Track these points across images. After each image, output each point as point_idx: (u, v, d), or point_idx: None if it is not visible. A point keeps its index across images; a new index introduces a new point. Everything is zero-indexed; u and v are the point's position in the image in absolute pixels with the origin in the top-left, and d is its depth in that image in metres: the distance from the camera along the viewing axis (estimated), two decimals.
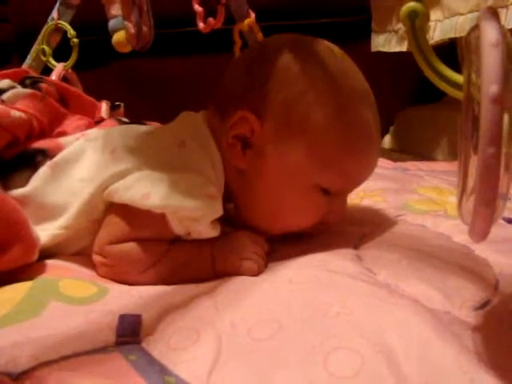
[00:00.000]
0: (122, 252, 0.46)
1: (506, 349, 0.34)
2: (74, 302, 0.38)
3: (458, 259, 0.48)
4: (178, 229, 0.46)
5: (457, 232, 0.55)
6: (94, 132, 0.54)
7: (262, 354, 0.32)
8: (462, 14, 0.95)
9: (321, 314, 0.36)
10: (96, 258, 0.47)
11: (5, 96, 0.55)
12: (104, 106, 0.63)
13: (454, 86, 0.31)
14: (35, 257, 0.45)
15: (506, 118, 0.25)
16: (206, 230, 0.46)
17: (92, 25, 1.02)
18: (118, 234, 0.46)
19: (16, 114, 0.52)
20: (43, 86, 0.59)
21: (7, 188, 0.49)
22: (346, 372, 0.30)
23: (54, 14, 0.90)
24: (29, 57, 0.93)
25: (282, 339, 0.33)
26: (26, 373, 0.30)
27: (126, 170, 0.47)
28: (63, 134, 0.56)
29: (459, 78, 0.30)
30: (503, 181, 0.26)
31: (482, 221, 0.24)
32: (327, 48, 0.50)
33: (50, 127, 0.56)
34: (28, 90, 0.57)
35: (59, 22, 0.89)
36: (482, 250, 0.50)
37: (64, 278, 0.42)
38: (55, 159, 0.50)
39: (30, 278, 0.42)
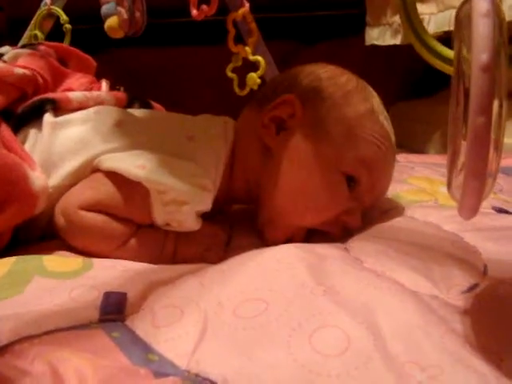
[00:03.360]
0: (95, 223, 0.45)
1: (494, 331, 0.33)
2: (58, 276, 0.38)
3: (446, 247, 0.48)
4: (157, 214, 0.46)
5: (446, 222, 0.55)
6: (103, 97, 0.56)
7: (247, 332, 0.32)
8: (455, 8, 0.95)
9: (307, 292, 0.35)
10: (60, 218, 0.46)
11: (5, 57, 0.56)
12: (104, 85, 0.62)
13: (445, 61, 0.30)
14: (37, 209, 0.45)
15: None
16: (189, 218, 0.46)
17: (85, 13, 1.01)
18: (93, 200, 0.46)
19: (19, 70, 0.52)
20: (41, 47, 0.60)
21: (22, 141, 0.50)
22: (332, 349, 0.30)
23: None
24: (21, 42, 0.92)
25: (267, 317, 0.33)
26: (6, 346, 0.29)
27: (127, 146, 0.47)
28: (69, 90, 0.57)
29: (450, 54, 0.30)
30: (492, 159, 0.26)
31: (472, 193, 0.24)
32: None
33: (54, 84, 0.57)
34: (27, 50, 0.58)
35: (52, 7, 0.88)
36: (471, 238, 0.50)
37: (48, 255, 0.42)
38: (57, 120, 0.51)
39: None
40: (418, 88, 1.56)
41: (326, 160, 0.49)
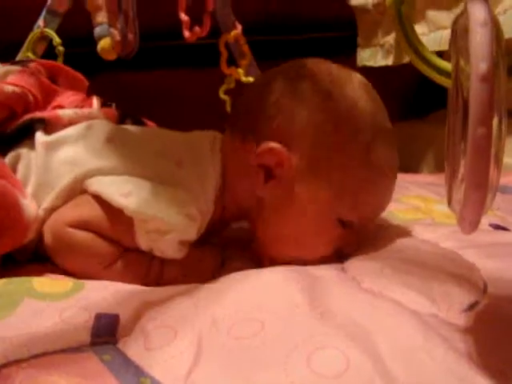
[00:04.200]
0: (83, 240, 0.45)
1: (498, 349, 0.33)
2: (49, 298, 0.37)
3: (444, 264, 0.47)
4: (141, 240, 0.45)
5: (444, 239, 0.54)
6: (94, 114, 0.55)
7: (243, 354, 0.30)
8: (446, 28, 0.96)
9: (304, 314, 0.34)
10: (48, 237, 0.45)
11: None
12: (95, 102, 0.61)
13: (443, 73, 0.30)
14: (27, 238, 0.45)
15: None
16: (171, 247, 0.46)
17: (78, 37, 1.02)
18: (81, 219, 0.45)
19: (9, 88, 0.51)
20: (31, 64, 0.59)
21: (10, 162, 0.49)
22: (331, 371, 0.28)
23: (40, 21, 0.89)
24: None
25: (263, 338, 0.32)
26: None
27: (115, 169, 0.47)
28: (59, 107, 0.56)
29: (448, 66, 0.30)
30: (493, 173, 0.26)
31: (473, 206, 0.23)
32: (360, 82, 0.50)
33: (44, 102, 0.56)
34: (17, 67, 0.56)
35: (45, 29, 0.88)
36: (469, 255, 0.49)
37: (38, 277, 0.41)
38: (50, 139, 0.50)
39: None
40: (410, 109, 1.57)
41: (318, 210, 0.47)
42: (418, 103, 1.63)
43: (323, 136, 0.47)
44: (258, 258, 0.51)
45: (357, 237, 0.51)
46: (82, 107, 0.57)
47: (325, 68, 0.50)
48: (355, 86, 0.49)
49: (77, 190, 0.47)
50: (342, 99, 0.48)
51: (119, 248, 0.46)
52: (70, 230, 0.45)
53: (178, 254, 0.46)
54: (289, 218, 0.48)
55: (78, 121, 0.53)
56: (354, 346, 0.30)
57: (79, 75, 0.67)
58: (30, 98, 0.53)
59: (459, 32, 0.27)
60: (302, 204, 0.47)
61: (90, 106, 0.61)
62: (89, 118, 0.54)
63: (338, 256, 0.50)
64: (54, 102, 0.57)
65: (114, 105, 0.70)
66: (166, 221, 0.44)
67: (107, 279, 0.44)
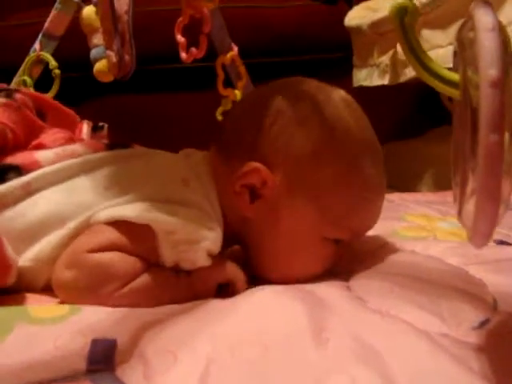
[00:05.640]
0: (100, 261, 0.42)
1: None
2: (43, 322, 0.35)
3: (451, 281, 0.46)
4: (167, 254, 0.43)
5: (449, 255, 0.53)
6: (79, 152, 0.50)
7: (248, 378, 0.29)
8: (441, 47, 0.96)
9: (310, 339, 0.33)
10: (62, 273, 0.42)
11: None
12: (85, 127, 0.59)
13: (450, 84, 0.29)
14: (11, 280, 0.42)
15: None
16: (202, 256, 0.44)
17: (73, 61, 1.02)
18: (102, 243, 0.42)
19: None
20: (18, 96, 0.55)
21: None
22: None
23: (37, 45, 0.89)
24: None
25: (268, 363, 0.30)
26: None
27: (127, 199, 0.45)
28: (40, 146, 0.52)
29: (455, 76, 0.29)
30: (505, 186, 0.25)
31: (486, 217, 0.22)
32: (343, 99, 0.49)
33: (26, 140, 0.52)
34: (2, 100, 0.52)
35: (41, 53, 0.88)
36: (476, 271, 0.48)
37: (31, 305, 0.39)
38: (29, 179, 0.47)
39: None
40: (406, 129, 1.58)
41: (304, 229, 0.47)
42: (413, 122, 1.64)
43: (306, 155, 0.46)
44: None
45: (344, 251, 0.51)
46: (65, 145, 0.53)
47: (307, 87, 0.50)
48: (338, 104, 0.49)
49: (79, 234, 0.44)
50: (326, 117, 0.47)
51: (144, 263, 0.44)
52: (92, 254, 0.42)
53: (209, 261, 0.45)
54: (276, 238, 0.47)
55: (60, 161, 0.49)
56: (367, 371, 0.29)
57: (69, 111, 0.64)
58: (9, 135, 0.49)
59: (465, 41, 0.27)
60: (288, 223, 0.47)
61: (80, 135, 0.58)
62: (73, 156, 0.50)
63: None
64: (36, 139, 0.53)
65: (106, 126, 0.69)
66: (194, 230, 0.43)
67: (131, 297, 0.42)
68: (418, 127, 1.52)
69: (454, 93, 0.29)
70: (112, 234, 0.43)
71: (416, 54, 0.30)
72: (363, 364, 0.30)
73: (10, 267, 0.41)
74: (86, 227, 0.44)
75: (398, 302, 0.41)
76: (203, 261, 0.44)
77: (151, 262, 0.44)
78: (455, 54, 0.31)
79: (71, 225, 0.44)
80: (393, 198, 1.00)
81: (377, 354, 0.31)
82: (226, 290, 0.46)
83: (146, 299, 0.42)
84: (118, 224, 0.43)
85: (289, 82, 0.52)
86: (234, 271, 0.46)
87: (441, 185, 1.23)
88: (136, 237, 0.43)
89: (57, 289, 0.42)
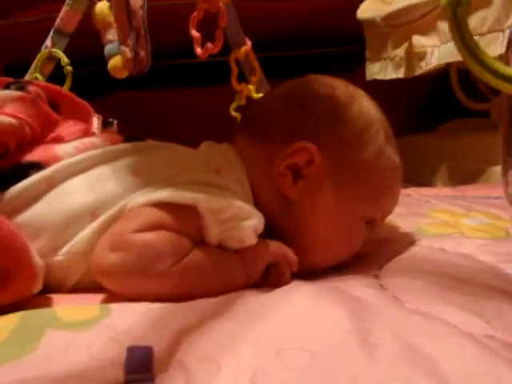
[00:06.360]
0: (148, 240, 0.41)
1: None
2: (73, 327, 0.34)
3: (488, 280, 0.44)
4: (213, 233, 0.43)
5: (481, 252, 0.51)
6: (97, 145, 0.50)
7: None
8: None
9: (357, 344, 0.31)
10: (107, 258, 0.40)
11: None
12: (95, 122, 0.58)
13: (504, 79, 0.28)
14: (37, 288, 0.40)
15: None
16: (250, 234, 0.44)
17: (85, 57, 1.01)
18: (145, 222, 0.41)
19: (5, 119, 0.46)
20: (32, 88, 0.52)
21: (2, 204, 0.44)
22: None
23: (48, 42, 0.88)
24: None
25: (317, 371, 0.29)
26: None
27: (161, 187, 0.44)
28: (58, 139, 0.50)
29: (509, 71, 0.27)
30: None
31: None
32: (367, 95, 0.54)
33: (42, 133, 0.50)
34: (17, 93, 0.50)
35: (53, 50, 0.86)
36: (510, 269, 0.46)
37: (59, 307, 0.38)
38: (51, 172, 0.45)
39: None
40: (418, 123, 1.56)
41: (347, 210, 0.49)
42: (424, 116, 1.62)
43: (348, 137, 0.50)
44: None
45: (372, 234, 0.54)
46: (83, 138, 0.52)
47: (336, 81, 0.53)
48: (367, 99, 0.53)
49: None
50: (361, 110, 0.51)
51: (191, 241, 0.43)
52: (139, 234, 0.41)
53: (255, 240, 0.45)
54: (318, 218, 0.49)
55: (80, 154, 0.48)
56: (420, 375, 0.27)
57: (83, 102, 0.62)
58: (27, 131, 0.48)
59: None
60: (331, 202, 0.49)
61: (92, 128, 0.57)
62: (91, 148, 0.49)
63: None
64: (52, 132, 0.52)
65: (115, 122, 0.67)
66: (242, 207, 0.44)
67: (181, 278, 0.41)
68: (430, 121, 1.51)
69: (508, 87, 0.28)
70: (155, 214, 0.42)
71: (469, 46, 0.29)
72: (416, 369, 0.28)
73: (37, 276, 0.40)
74: (120, 215, 0.43)
75: (437, 302, 0.39)
76: (251, 239, 0.44)
77: (196, 241, 0.43)
78: (507, 49, 0.30)
79: (105, 215, 0.43)
80: (409, 193, 0.99)
81: (427, 357, 0.30)
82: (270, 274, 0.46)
83: (196, 277, 0.42)
84: (159, 205, 0.42)
85: (316, 76, 0.54)
86: (283, 250, 0.47)
87: (456, 179, 1.22)
88: (180, 216, 0.42)
89: (102, 275, 0.41)
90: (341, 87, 0.52)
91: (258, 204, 0.48)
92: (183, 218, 0.42)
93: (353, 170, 0.49)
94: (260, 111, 0.55)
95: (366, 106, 0.52)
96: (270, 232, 0.47)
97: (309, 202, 0.48)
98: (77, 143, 0.49)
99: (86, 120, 0.60)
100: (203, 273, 0.42)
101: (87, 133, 0.55)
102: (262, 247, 0.46)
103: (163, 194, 0.42)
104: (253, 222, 0.44)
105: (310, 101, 0.51)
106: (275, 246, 0.47)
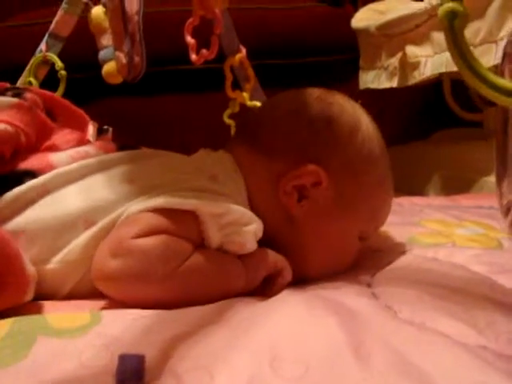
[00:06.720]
0: (149, 245, 0.40)
1: None
2: (65, 334, 0.33)
3: (481, 290, 0.44)
4: (214, 237, 0.43)
5: (474, 263, 0.52)
6: (92, 154, 0.50)
7: None
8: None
9: (350, 355, 0.31)
10: (107, 264, 0.40)
11: None
12: (91, 129, 0.58)
13: (502, 92, 0.28)
14: (29, 296, 0.40)
15: None
16: (251, 239, 0.45)
17: (79, 62, 1.00)
18: (146, 227, 0.41)
19: (1, 126, 0.46)
20: (29, 96, 0.52)
21: None
22: None
23: (43, 46, 0.87)
24: None
25: (310, 381, 0.29)
26: None
27: (158, 194, 0.44)
28: (53, 148, 0.50)
29: (507, 84, 0.27)
30: None
31: None
32: (368, 117, 0.55)
33: (37, 141, 0.50)
34: (13, 100, 0.50)
35: (47, 53, 0.86)
36: (503, 280, 0.47)
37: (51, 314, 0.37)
38: (44, 181, 0.45)
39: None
40: (410, 132, 1.57)
41: (347, 230, 0.51)
42: (417, 126, 1.63)
43: (356, 163, 0.51)
44: None
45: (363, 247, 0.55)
46: (78, 146, 0.52)
47: (349, 104, 0.54)
48: (368, 121, 0.54)
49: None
50: (366, 135, 0.52)
51: (192, 245, 0.43)
52: (140, 239, 0.41)
53: (256, 245, 0.45)
54: (320, 236, 0.50)
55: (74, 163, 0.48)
56: None
57: (79, 111, 0.62)
58: (23, 138, 0.48)
59: None
60: (333, 222, 0.50)
61: (87, 136, 0.57)
62: (85, 158, 0.49)
63: None
64: (48, 140, 0.52)
65: (110, 130, 0.67)
66: (243, 212, 0.44)
67: (181, 283, 0.41)
68: (423, 130, 1.52)
69: (507, 101, 0.28)
70: (155, 219, 0.42)
71: (465, 58, 0.29)
72: (410, 381, 0.28)
73: (29, 284, 0.39)
74: (115, 223, 0.43)
75: (431, 311, 0.39)
76: (252, 243, 0.45)
77: (196, 246, 0.43)
78: (503, 61, 0.30)
79: (100, 223, 0.43)
80: (401, 202, 0.99)
81: (421, 369, 0.30)
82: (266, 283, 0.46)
83: (198, 280, 0.42)
84: (158, 211, 0.42)
85: (325, 94, 0.54)
86: (282, 260, 0.47)
87: (448, 188, 1.23)
88: (179, 221, 0.42)
89: (103, 282, 0.41)
90: (349, 109, 0.53)
91: (254, 212, 0.48)
92: (183, 223, 0.42)
93: (356, 193, 0.51)
94: (265, 124, 0.54)
95: (370, 131, 0.53)
96: (265, 241, 0.47)
97: (311, 222, 0.49)
98: (71, 152, 0.50)
99: (82, 128, 0.60)
100: (205, 275, 0.42)
101: (82, 141, 0.55)
102: (265, 256, 0.46)
103: (162, 200, 0.42)
104: (253, 227, 0.45)
105: (318, 122, 0.51)
106: (277, 258, 0.47)
